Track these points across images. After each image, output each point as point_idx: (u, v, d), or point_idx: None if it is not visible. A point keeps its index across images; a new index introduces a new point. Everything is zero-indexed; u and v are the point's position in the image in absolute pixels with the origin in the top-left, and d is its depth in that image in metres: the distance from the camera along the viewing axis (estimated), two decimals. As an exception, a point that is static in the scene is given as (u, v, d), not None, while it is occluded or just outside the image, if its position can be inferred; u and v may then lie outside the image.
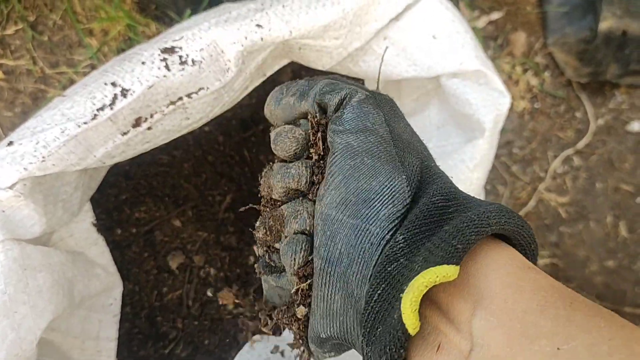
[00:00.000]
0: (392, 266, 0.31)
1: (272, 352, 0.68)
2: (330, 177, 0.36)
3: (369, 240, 0.32)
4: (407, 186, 0.33)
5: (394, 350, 0.29)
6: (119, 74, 0.64)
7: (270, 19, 0.66)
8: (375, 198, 0.33)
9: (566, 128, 1.32)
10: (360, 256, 0.32)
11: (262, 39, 0.66)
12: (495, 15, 1.30)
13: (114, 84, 0.63)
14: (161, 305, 0.86)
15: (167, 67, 0.65)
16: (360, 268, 0.32)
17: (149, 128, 0.65)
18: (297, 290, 0.39)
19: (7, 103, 1.12)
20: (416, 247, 0.31)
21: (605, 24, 1.28)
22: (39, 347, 0.63)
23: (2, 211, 0.60)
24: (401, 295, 0.29)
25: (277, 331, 0.44)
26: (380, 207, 0.33)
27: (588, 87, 1.34)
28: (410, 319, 0.29)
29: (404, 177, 0.34)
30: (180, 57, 0.65)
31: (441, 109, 0.80)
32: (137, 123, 0.65)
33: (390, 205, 0.33)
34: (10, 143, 0.61)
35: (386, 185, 0.33)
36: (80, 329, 0.74)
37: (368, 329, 0.31)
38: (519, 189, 1.27)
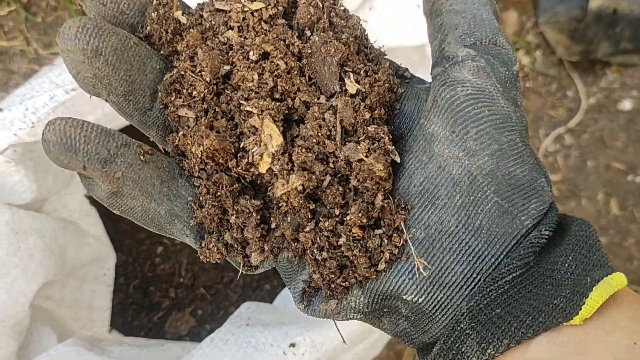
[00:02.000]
0: (533, 257, 0.33)
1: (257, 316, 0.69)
2: (488, 139, 0.34)
3: (515, 226, 0.33)
4: (549, 188, 0.35)
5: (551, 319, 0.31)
6: (107, 42, 0.65)
7: (256, -13, 0.67)
8: (523, 188, 0.34)
9: (558, 107, 1.32)
10: (499, 238, 0.33)
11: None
12: (487, -5, 1.31)
13: (102, 52, 0.64)
14: (154, 276, 0.87)
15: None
16: (491, 248, 0.33)
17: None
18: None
19: (0, 84, 1.13)
20: (554, 246, 0.34)
21: (596, 3, 1.29)
22: (34, 312, 0.65)
23: (-7, 176, 0.61)
24: (592, 282, 0.31)
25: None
26: (530, 200, 0.34)
27: (579, 66, 1.34)
28: (592, 306, 0.30)
29: (544, 179, 0.35)
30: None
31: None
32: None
33: (539, 202, 0.34)
34: (0, 110, 0.62)
35: (531, 179, 0.34)
36: (74, 299, 0.76)
37: (492, 296, 0.32)
38: (511, 167, 1.29)
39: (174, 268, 0.88)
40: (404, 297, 0.34)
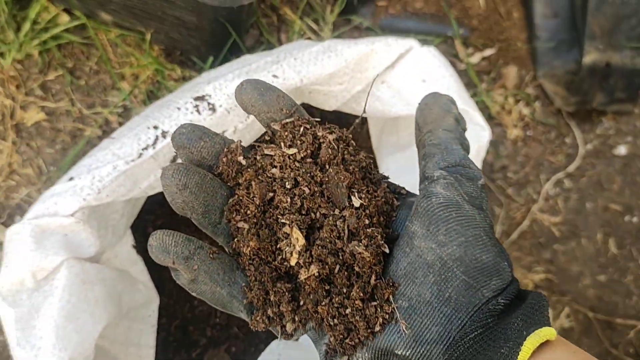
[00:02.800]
0: (491, 319, 0.42)
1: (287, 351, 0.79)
2: (455, 234, 0.44)
3: (478, 296, 0.43)
4: (509, 269, 0.45)
5: None
6: (159, 118, 0.77)
7: (284, 70, 0.79)
8: (486, 269, 0.44)
9: (557, 153, 1.42)
10: (464, 305, 0.42)
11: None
12: (488, 52, 1.42)
13: (155, 127, 0.76)
14: (192, 316, 0.97)
15: (198, 112, 0.77)
16: (458, 313, 0.42)
17: (184, 163, 0.78)
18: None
19: (48, 141, 1.26)
20: (512, 311, 0.43)
21: (589, 58, 1.39)
22: (95, 351, 0.75)
23: (65, 234, 0.72)
24: (522, 339, 0.40)
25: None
26: (491, 278, 0.44)
27: (576, 115, 1.44)
28: (526, 352, 0.40)
29: (506, 263, 0.45)
30: (209, 103, 0.78)
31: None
32: (174, 159, 0.77)
33: (499, 280, 0.44)
34: (71, 178, 0.74)
35: (495, 263, 0.44)
36: (125, 337, 0.86)
37: (461, 350, 0.42)
38: (514, 210, 1.38)
39: (210, 309, 0.98)
40: (396, 351, 0.43)
